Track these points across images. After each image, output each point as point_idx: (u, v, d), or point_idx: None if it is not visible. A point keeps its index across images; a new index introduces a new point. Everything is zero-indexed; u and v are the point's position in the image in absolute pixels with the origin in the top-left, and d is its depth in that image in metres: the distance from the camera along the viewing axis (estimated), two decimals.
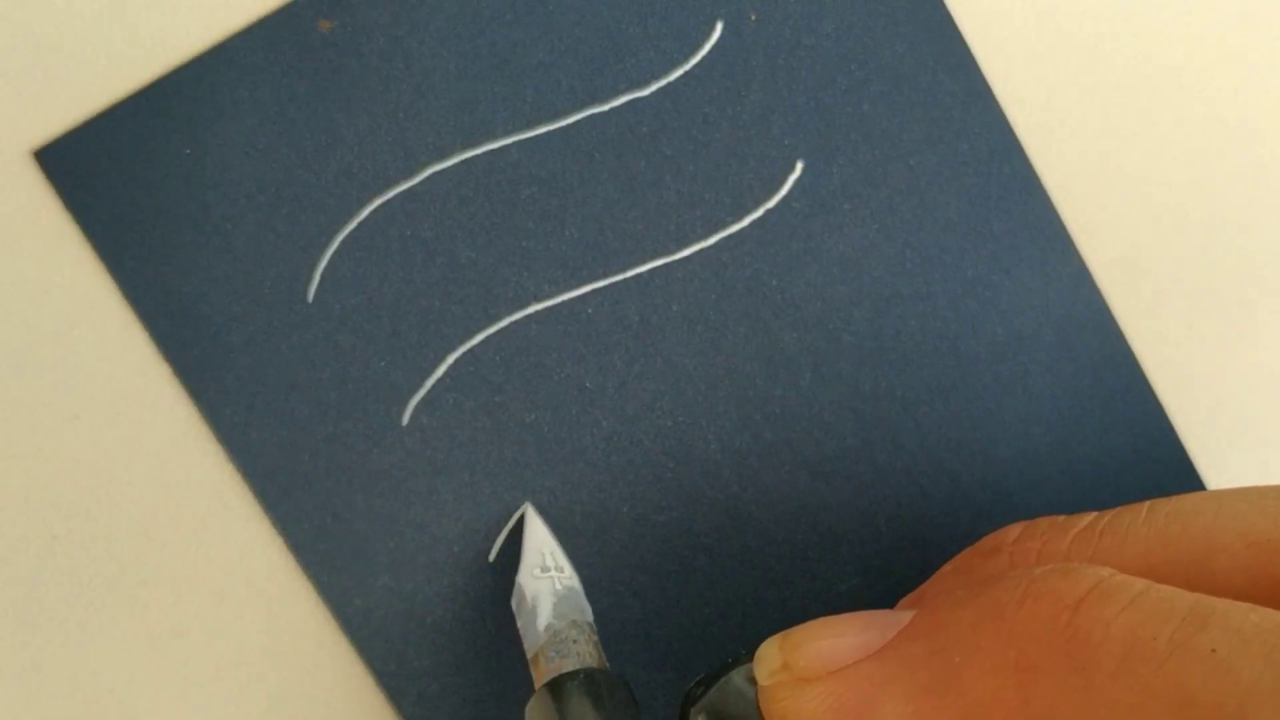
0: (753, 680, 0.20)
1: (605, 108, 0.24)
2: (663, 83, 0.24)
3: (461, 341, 0.24)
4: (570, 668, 0.21)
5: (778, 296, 0.24)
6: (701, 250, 0.24)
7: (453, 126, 0.24)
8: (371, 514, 0.24)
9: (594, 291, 0.24)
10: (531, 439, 0.24)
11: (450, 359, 0.24)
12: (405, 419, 0.24)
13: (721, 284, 0.24)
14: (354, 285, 0.24)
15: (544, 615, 0.22)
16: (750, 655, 0.21)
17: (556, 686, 0.21)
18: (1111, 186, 0.25)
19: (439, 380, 0.24)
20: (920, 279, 0.25)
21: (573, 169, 0.24)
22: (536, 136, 0.24)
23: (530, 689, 0.22)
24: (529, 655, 0.22)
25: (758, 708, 0.20)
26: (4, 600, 0.23)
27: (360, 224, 0.23)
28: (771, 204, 0.24)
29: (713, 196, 0.24)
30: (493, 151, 0.24)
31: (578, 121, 0.24)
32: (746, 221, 0.24)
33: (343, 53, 0.23)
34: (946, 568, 0.23)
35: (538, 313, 0.24)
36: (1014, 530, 0.22)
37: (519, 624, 0.23)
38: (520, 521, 0.24)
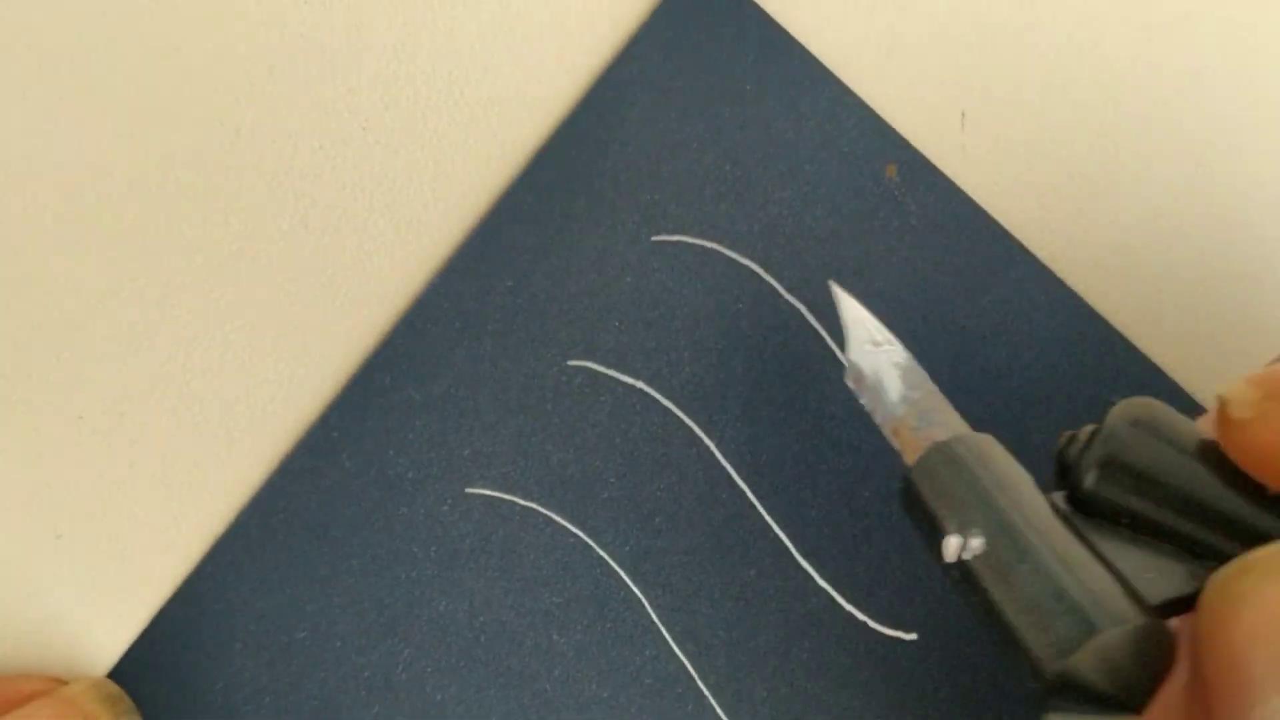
0: (1135, 423, 0.20)
1: None
2: None
3: None
4: (943, 436, 0.21)
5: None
6: None
7: None
8: None
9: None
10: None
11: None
12: None
13: None
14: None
15: (894, 389, 0.22)
16: (1110, 402, 0.20)
17: (941, 454, 0.20)
18: None
19: None
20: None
21: None
22: None
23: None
24: (887, 429, 0.22)
25: (1180, 445, 0.20)
26: None
27: None
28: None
29: None
30: None
31: None
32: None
33: None
34: None
35: None
36: None
37: (862, 400, 0.22)
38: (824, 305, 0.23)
